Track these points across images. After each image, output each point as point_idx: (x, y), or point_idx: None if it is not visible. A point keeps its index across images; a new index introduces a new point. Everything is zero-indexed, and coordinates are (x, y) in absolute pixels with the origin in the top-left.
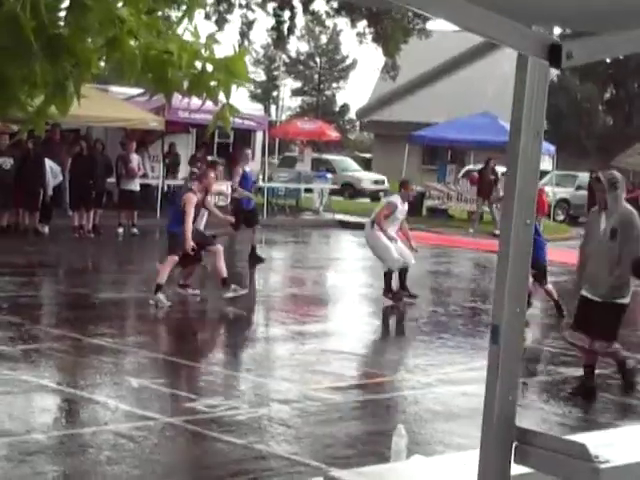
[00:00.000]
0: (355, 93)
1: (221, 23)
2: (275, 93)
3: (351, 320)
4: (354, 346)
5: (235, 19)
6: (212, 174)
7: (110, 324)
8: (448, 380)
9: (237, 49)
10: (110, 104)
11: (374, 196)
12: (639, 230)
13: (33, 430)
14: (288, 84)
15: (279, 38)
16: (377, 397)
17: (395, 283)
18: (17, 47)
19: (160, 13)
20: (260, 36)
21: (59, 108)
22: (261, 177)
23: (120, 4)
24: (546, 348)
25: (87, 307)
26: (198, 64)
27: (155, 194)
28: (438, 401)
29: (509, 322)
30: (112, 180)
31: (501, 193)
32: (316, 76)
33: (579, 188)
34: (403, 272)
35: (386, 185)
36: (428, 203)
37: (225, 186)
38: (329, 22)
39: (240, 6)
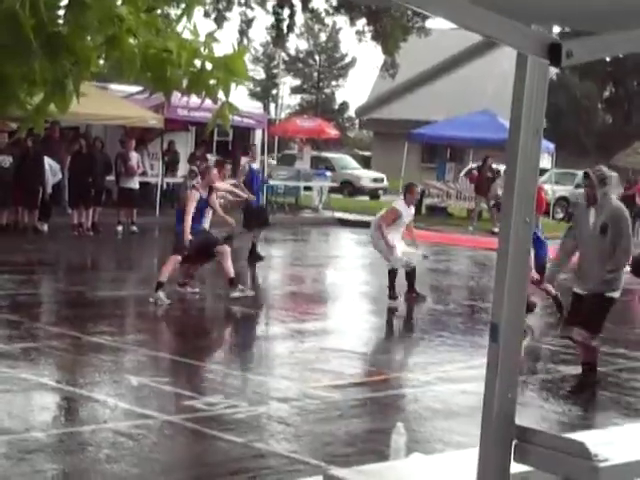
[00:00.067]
0: (354, 91)
1: (220, 21)
2: (274, 91)
3: (350, 318)
4: (353, 344)
5: (234, 17)
6: (214, 171)
7: (109, 322)
8: (447, 378)
9: (236, 47)
10: (109, 102)
11: (373, 194)
12: (629, 224)
13: (32, 428)
14: (287, 82)
15: (278, 36)
16: (376, 395)
17: (396, 284)
18: (16, 45)
19: (159, 11)
20: (259, 34)
21: (58, 106)
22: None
23: (119, 2)
24: (545, 346)
25: (86, 305)
26: (197, 62)
27: (154, 192)
28: (437, 399)
29: (508, 320)
30: (111, 178)
31: (499, 191)
32: (315, 74)
33: (578, 186)
34: (411, 274)
35: (385, 183)
36: (427, 201)
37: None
38: (328, 20)
39: (239, 4)
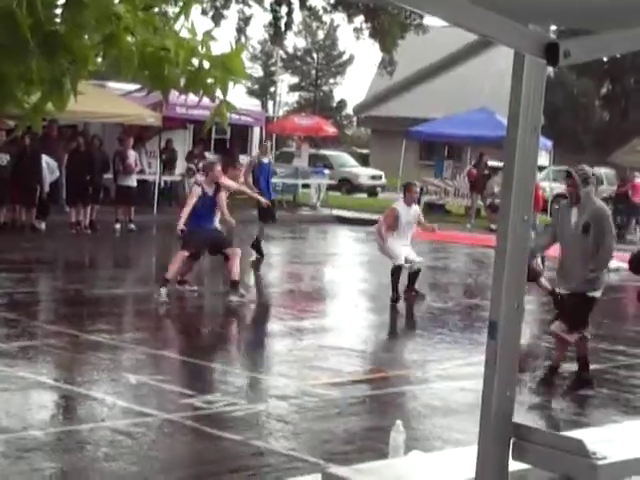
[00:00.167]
0: (352, 89)
1: (218, 19)
2: (272, 89)
3: (349, 316)
4: (352, 342)
5: (232, 15)
6: (218, 167)
7: (107, 320)
8: (446, 375)
9: (234, 46)
10: (107, 100)
11: (371, 191)
12: (612, 224)
13: (30, 427)
14: (285, 80)
15: (276, 34)
16: (375, 393)
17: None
18: (13, 44)
19: (157, 10)
20: (257, 32)
21: (56, 105)
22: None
23: (116, 1)
24: (543, 344)
25: (84, 303)
26: (195, 61)
27: (152, 190)
28: (436, 397)
29: (507, 318)
30: (109, 176)
31: (496, 189)
32: (313, 72)
33: None
34: (413, 275)
35: (383, 180)
36: (425, 199)
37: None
38: (326, 18)
39: (237, 2)
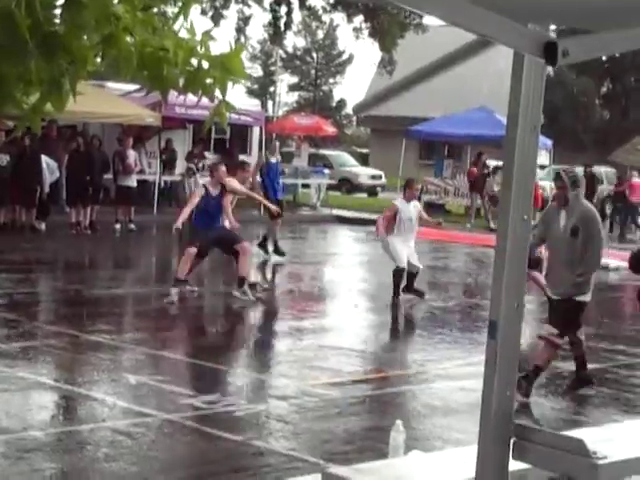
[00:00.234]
0: (352, 88)
1: (217, 19)
2: (272, 88)
3: (349, 316)
4: (352, 342)
5: (231, 15)
6: (223, 167)
7: (107, 320)
8: (446, 375)
9: (233, 46)
10: (107, 100)
11: (371, 191)
12: (601, 227)
13: (30, 427)
14: (285, 79)
15: (276, 33)
16: (375, 393)
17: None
18: (12, 45)
19: (156, 10)
20: (257, 31)
21: (55, 105)
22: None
23: (115, 1)
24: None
25: (84, 303)
26: (194, 61)
27: (152, 190)
28: (436, 396)
29: (507, 317)
30: (109, 176)
31: (495, 188)
32: (313, 71)
33: None
34: (412, 275)
35: (383, 180)
36: (425, 198)
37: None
38: (326, 17)
39: (236, 2)
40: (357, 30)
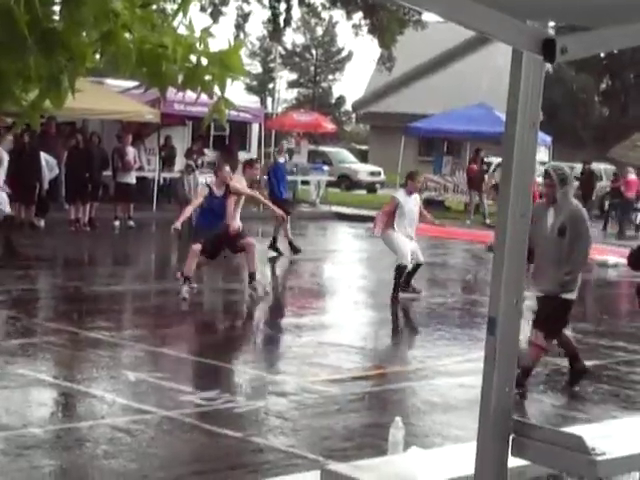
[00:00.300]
0: (351, 85)
1: (216, 16)
2: (271, 85)
3: (348, 312)
4: (351, 338)
5: (230, 11)
6: (227, 168)
7: (107, 317)
8: (445, 372)
9: (232, 43)
10: (106, 97)
11: (371, 188)
12: (589, 226)
13: (30, 424)
14: (284, 76)
15: (275, 30)
16: (374, 389)
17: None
18: (11, 41)
19: (155, 6)
20: (256, 28)
21: (54, 102)
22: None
23: None
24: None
25: (84, 300)
26: (193, 58)
27: (151, 187)
28: (436, 393)
29: (506, 314)
30: (108, 173)
31: (493, 182)
32: (312, 68)
33: (576, 179)
34: (413, 269)
35: (382, 177)
36: (424, 195)
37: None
38: (325, 14)
39: None
40: (356, 27)
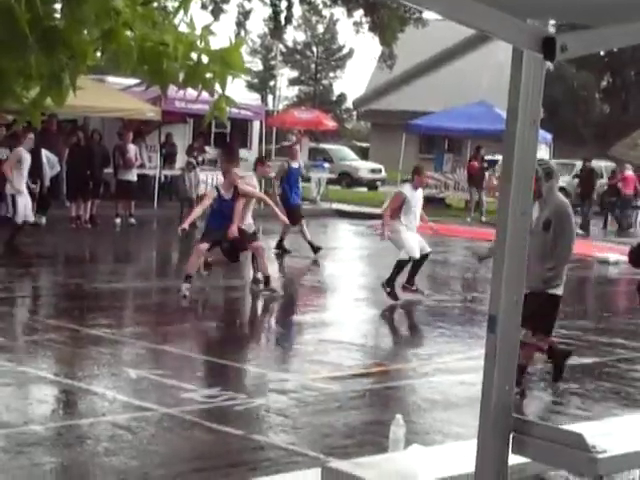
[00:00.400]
0: (352, 82)
1: (217, 13)
2: (272, 83)
3: (349, 310)
4: (352, 336)
5: (231, 9)
6: (235, 170)
7: (108, 314)
8: (446, 369)
9: (233, 40)
10: (107, 94)
11: (371, 185)
12: (573, 222)
13: (31, 421)
14: (285, 74)
15: (276, 28)
16: (375, 387)
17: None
18: (12, 39)
19: (156, 4)
20: (257, 26)
21: (55, 100)
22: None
23: None
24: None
25: (85, 298)
26: (194, 55)
27: (152, 184)
28: (436, 390)
29: (506, 311)
30: (109, 170)
31: (494, 182)
32: (313, 65)
33: (576, 176)
34: (418, 263)
35: (383, 174)
36: (425, 192)
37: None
38: (326, 12)
39: None
40: (357, 24)
